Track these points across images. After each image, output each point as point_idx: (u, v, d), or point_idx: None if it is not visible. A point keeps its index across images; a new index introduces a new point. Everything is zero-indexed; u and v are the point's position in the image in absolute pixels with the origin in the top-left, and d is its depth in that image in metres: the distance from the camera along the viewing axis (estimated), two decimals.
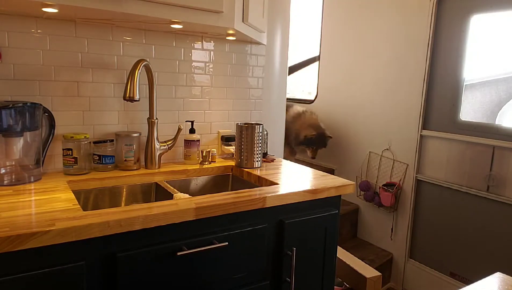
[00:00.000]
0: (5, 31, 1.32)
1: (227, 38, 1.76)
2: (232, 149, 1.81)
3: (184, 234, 1.13)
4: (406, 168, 2.64)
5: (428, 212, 2.58)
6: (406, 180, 2.65)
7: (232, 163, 1.72)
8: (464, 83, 2.36)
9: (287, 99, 2.25)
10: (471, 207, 2.34)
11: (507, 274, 0.98)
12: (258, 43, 1.90)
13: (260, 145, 1.65)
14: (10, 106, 1.23)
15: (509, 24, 2.16)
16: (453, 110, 2.41)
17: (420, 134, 2.55)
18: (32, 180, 1.31)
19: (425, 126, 2.55)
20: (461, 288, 0.89)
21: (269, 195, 1.27)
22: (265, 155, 1.83)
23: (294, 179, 1.51)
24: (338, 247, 1.57)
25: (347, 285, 2.03)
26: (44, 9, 1.21)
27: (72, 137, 1.43)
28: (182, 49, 1.69)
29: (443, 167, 2.47)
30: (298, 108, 3.19)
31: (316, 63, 3.54)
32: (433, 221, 2.55)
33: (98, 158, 1.49)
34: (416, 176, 2.60)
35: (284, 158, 2.04)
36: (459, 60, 2.36)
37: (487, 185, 2.25)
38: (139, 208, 1.08)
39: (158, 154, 1.58)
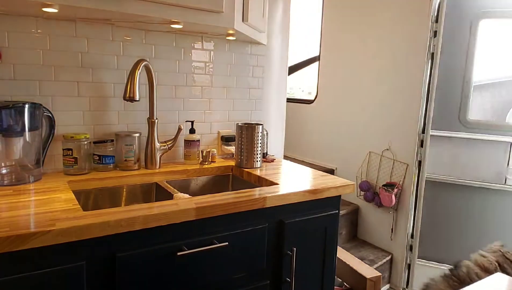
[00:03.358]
0: (5, 31, 1.32)
1: (227, 38, 1.76)
2: (232, 149, 1.81)
3: (184, 234, 1.13)
4: (406, 168, 2.64)
5: (429, 212, 2.58)
6: (406, 180, 2.65)
7: (232, 163, 1.72)
8: (463, 83, 2.37)
9: (287, 99, 2.25)
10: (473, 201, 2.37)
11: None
12: (258, 43, 1.90)
13: (260, 145, 1.65)
14: (10, 106, 1.23)
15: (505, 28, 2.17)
16: (453, 109, 2.42)
17: (420, 134, 2.55)
18: (32, 180, 1.31)
19: (425, 126, 2.55)
20: (461, 288, 0.89)
21: (269, 195, 1.27)
22: (265, 155, 1.83)
23: (294, 179, 1.51)
24: (338, 247, 1.57)
25: (347, 285, 2.03)
26: (44, 9, 1.21)
27: (72, 137, 1.42)
28: (182, 49, 1.69)
29: (445, 165, 2.49)
30: None
31: (316, 63, 3.54)
32: (433, 221, 2.55)
33: (98, 158, 1.49)
34: (421, 175, 2.59)
35: None
36: (459, 60, 2.36)
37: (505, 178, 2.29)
38: (139, 208, 1.08)
39: (158, 154, 1.58)
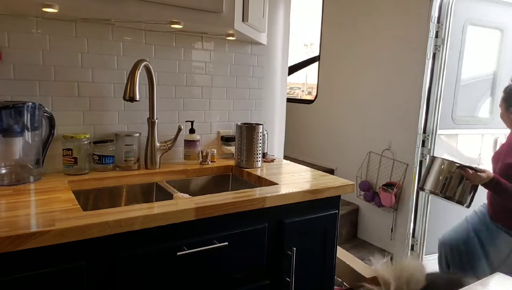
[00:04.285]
0: (5, 31, 1.32)
1: (227, 38, 1.76)
2: (232, 149, 1.81)
3: (184, 234, 1.13)
4: (406, 168, 2.64)
5: (429, 212, 2.58)
6: (406, 180, 2.65)
7: (232, 163, 1.72)
8: (462, 83, 2.40)
9: (287, 99, 2.25)
10: None
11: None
12: (258, 43, 1.90)
13: (260, 145, 1.65)
14: (10, 106, 1.23)
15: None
16: (452, 108, 2.43)
17: (420, 134, 2.55)
18: (32, 180, 1.31)
19: (425, 125, 2.55)
20: (461, 288, 0.89)
21: (269, 195, 1.27)
22: (265, 155, 1.83)
23: (294, 179, 1.51)
24: (338, 247, 1.57)
25: (347, 285, 2.03)
26: (44, 9, 1.21)
27: (72, 137, 1.43)
28: (182, 49, 1.69)
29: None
30: None
31: (316, 63, 3.54)
32: (434, 221, 2.55)
33: (98, 158, 1.49)
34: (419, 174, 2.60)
35: None
36: (452, 61, 2.39)
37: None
38: (139, 208, 1.08)
39: (158, 154, 1.58)
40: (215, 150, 1.77)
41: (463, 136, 2.68)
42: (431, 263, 2.66)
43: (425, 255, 2.67)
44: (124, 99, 1.38)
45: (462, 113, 2.65)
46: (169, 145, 1.62)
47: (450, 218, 2.45)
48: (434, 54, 2.47)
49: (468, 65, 2.60)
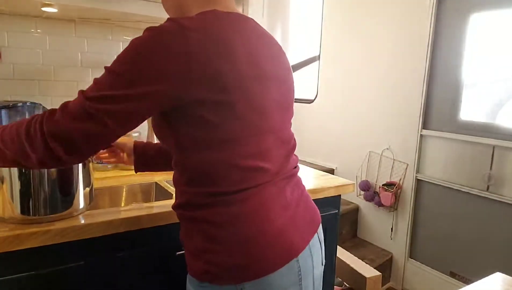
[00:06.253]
0: (5, 31, 1.32)
1: None
2: None
3: None
4: (406, 168, 2.64)
5: (428, 212, 2.58)
6: (406, 180, 2.65)
7: None
8: (464, 82, 2.36)
9: None
10: (471, 206, 2.34)
11: (507, 274, 0.98)
12: None
13: None
14: (10, 105, 1.23)
15: (508, 22, 2.16)
16: (453, 109, 2.41)
17: (420, 134, 2.55)
18: None
19: (425, 125, 2.55)
20: (461, 288, 0.89)
21: None
22: None
23: None
24: (338, 247, 1.57)
25: (347, 285, 2.03)
26: (44, 9, 1.21)
27: None
28: None
29: (443, 167, 2.47)
30: None
31: (316, 63, 3.54)
32: (433, 221, 2.55)
33: None
34: (416, 176, 2.59)
35: None
36: (459, 59, 2.36)
37: (487, 185, 2.25)
38: (139, 207, 1.08)
39: None
40: None
41: (474, 144, 2.32)
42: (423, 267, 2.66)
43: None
44: None
45: (468, 117, 2.36)
46: None
47: (449, 217, 2.45)
48: (433, 53, 2.47)
49: (481, 60, 2.25)
